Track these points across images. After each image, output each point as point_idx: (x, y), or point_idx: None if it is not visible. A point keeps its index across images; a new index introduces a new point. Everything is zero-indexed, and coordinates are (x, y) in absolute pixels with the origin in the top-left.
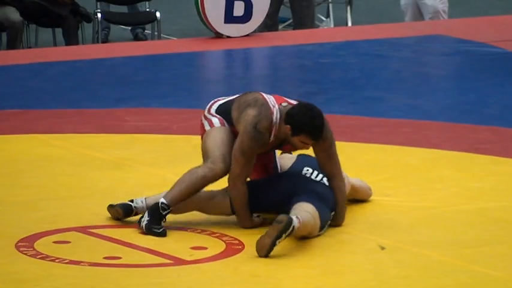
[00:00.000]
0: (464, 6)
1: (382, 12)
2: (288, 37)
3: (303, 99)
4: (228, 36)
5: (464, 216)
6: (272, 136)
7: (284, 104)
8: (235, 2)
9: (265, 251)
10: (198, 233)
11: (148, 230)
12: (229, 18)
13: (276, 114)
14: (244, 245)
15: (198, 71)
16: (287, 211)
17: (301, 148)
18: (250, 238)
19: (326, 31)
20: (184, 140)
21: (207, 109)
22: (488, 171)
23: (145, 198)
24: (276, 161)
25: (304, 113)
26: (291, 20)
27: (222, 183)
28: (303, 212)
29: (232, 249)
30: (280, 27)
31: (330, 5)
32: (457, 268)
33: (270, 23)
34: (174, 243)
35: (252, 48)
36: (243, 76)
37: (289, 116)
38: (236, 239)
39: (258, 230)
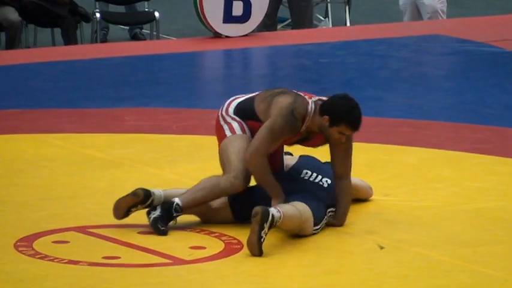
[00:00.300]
0: (463, 6)
1: (381, 12)
2: (286, 37)
3: None
4: (227, 36)
5: (464, 215)
6: (304, 126)
7: (314, 98)
8: (234, 1)
9: (256, 248)
10: (197, 232)
11: (153, 224)
12: (228, 18)
13: (311, 105)
14: (243, 245)
15: (197, 70)
16: None
17: (337, 140)
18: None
19: (325, 31)
20: (184, 140)
21: (224, 109)
22: (488, 171)
23: (163, 191)
24: (283, 159)
25: (344, 103)
26: (289, 20)
27: None
28: (287, 205)
29: (231, 248)
30: (278, 27)
31: (329, 4)
32: (457, 268)
33: (269, 23)
34: (173, 243)
35: (251, 48)
36: (242, 76)
37: (327, 106)
38: (235, 239)
39: None
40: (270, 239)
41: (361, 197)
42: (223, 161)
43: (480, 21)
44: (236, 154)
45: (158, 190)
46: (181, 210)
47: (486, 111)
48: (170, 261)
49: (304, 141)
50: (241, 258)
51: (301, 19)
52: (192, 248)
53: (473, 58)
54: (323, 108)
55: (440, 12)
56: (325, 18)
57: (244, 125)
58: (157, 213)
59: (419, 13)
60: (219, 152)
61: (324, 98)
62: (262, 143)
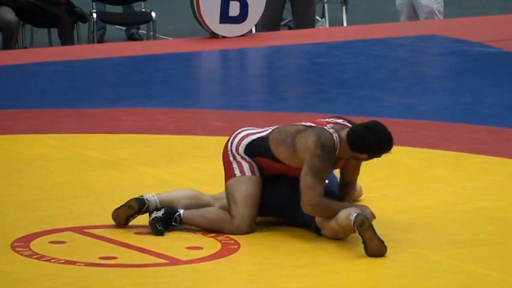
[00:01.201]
0: (459, 6)
1: (377, 12)
2: (283, 37)
3: (300, 98)
4: (224, 36)
5: (461, 215)
6: (336, 155)
7: (329, 124)
8: (231, 2)
9: (385, 248)
10: (194, 233)
11: (152, 222)
12: (225, 18)
13: (334, 135)
14: (239, 245)
15: (193, 71)
16: (289, 215)
17: (364, 160)
18: (245, 238)
19: (321, 31)
20: (180, 140)
21: (234, 147)
22: (485, 171)
23: (156, 195)
24: None
25: (374, 133)
26: (287, 20)
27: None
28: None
29: (228, 249)
30: None
31: (326, 5)
32: (454, 268)
33: (272, 24)
34: (170, 243)
35: (248, 48)
36: (239, 76)
37: (360, 143)
38: (232, 239)
39: (254, 231)
40: (266, 239)
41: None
42: (230, 201)
43: (477, 21)
44: (243, 199)
45: (152, 195)
46: (181, 223)
47: (483, 111)
48: (167, 262)
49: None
50: (238, 258)
51: (304, 19)
52: (188, 248)
53: (470, 58)
54: (354, 147)
55: (436, 12)
56: (322, 18)
57: (254, 166)
58: (159, 214)
59: (415, 13)
60: (226, 187)
61: (339, 121)
62: (314, 190)
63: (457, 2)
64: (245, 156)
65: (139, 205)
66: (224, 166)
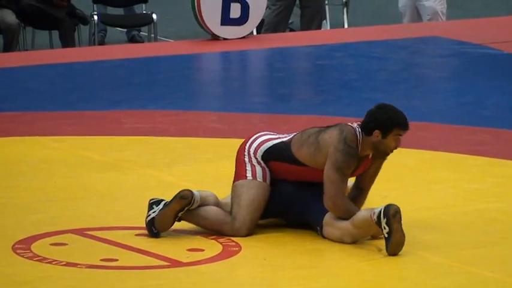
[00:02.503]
0: (461, 7)
1: (379, 14)
2: (284, 39)
3: (301, 101)
4: (225, 38)
5: (462, 217)
6: (359, 151)
7: (355, 124)
8: (232, 4)
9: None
10: (195, 235)
11: (148, 225)
12: (226, 20)
13: (357, 128)
14: (240, 247)
15: (194, 73)
16: (292, 215)
17: (394, 148)
18: (246, 240)
19: (323, 33)
20: (182, 142)
21: (253, 149)
22: (486, 173)
23: (197, 191)
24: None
25: (384, 111)
26: (289, 22)
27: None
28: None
29: (229, 251)
30: None
31: (327, 7)
32: (455, 270)
33: (279, 26)
34: (171, 245)
35: (249, 50)
36: (240, 78)
37: (372, 122)
38: (233, 241)
39: (255, 233)
40: (267, 241)
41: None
42: (234, 201)
43: (479, 23)
44: (248, 202)
45: (196, 191)
46: (179, 220)
47: (484, 113)
48: (168, 264)
49: (355, 169)
50: (239, 260)
51: (312, 20)
52: (189, 250)
53: (471, 60)
54: (368, 126)
55: (440, 13)
56: (323, 20)
57: (267, 172)
58: (154, 214)
59: (419, 15)
60: (233, 187)
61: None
62: (338, 186)
63: (459, 4)
64: (261, 161)
65: (191, 196)
66: (236, 164)
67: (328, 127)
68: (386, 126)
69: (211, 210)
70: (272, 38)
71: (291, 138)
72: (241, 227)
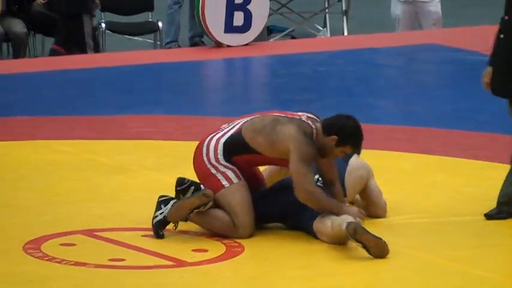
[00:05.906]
0: (457, 16)
1: (377, 22)
2: (286, 46)
3: (301, 106)
4: (228, 46)
5: (458, 219)
6: None
7: (303, 117)
8: (235, 12)
9: (386, 246)
10: (199, 236)
11: (155, 227)
12: (229, 27)
13: (312, 125)
14: (243, 248)
15: (199, 79)
16: (290, 223)
17: (336, 157)
18: (249, 241)
19: (323, 40)
20: (186, 146)
21: (213, 157)
22: (481, 176)
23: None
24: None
25: (351, 125)
26: (289, 30)
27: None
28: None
29: (232, 251)
30: (278, 36)
31: (327, 15)
32: (452, 270)
33: None
34: (176, 246)
35: (252, 57)
36: (243, 84)
37: (336, 127)
38: (236, 242)
39: (258, 234)
40: (270, 242)
41: (374, 214)
42: (227, 210)
43: (474, 30)
44: (240, 207)
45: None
46: (185, 220)
47: (479, 118)
48: (173, 264)
49: None
50: (242, 260)
51: None
52: (194, 250)
53: (467, 67)
54: (331, 128)
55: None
56: (323, 28)
57: (237, 170)
58: (161, 216)
59: (417, 22)
60: (217, 198)
61: (310, 115)
62: (307, 177)
63: (455, 12)
64: (227, 164)
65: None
66: (204, 179)
67: (283, 118)
68: (345, 138)
69: (220, 213)
70: (274, 45)
71: (240, 128)
72: (244, 231)
